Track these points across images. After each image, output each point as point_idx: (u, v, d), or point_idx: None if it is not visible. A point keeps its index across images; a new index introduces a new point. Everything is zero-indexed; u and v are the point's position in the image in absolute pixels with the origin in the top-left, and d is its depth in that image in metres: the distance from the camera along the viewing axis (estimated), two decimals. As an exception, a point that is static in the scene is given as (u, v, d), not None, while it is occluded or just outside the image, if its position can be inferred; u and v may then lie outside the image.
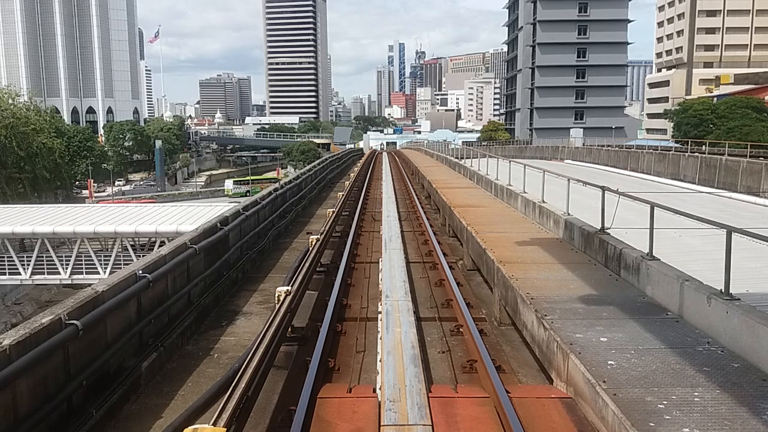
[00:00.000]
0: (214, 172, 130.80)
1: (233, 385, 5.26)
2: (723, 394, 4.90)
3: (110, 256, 33.39)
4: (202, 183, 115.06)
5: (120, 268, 22.35)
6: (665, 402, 4.77)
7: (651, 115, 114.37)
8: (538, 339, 6.73)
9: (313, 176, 26.87)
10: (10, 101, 65.76)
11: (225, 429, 4.41)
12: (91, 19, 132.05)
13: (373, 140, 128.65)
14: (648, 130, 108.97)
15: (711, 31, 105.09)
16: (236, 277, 11.09)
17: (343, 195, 21.52)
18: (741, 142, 46.79)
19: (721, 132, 61.89)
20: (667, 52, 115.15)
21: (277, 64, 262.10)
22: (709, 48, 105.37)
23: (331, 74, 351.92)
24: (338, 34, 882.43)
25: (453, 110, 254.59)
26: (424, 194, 24.98)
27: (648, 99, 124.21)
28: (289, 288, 8.12)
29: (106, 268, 32.47)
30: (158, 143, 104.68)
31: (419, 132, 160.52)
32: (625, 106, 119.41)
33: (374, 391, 5.83)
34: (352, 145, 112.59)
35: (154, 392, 6.59)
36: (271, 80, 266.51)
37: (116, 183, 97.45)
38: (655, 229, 7.95)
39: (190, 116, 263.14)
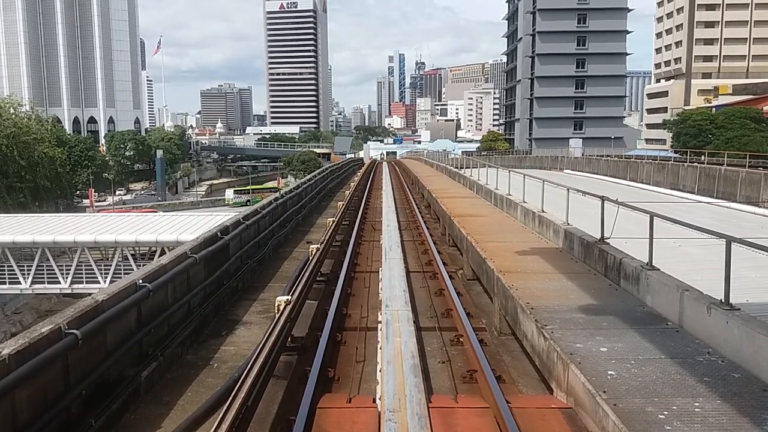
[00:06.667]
0: (214, 181, 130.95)
1: (233, 395, 5.26)
2: (724, 404, 4.89)
3: (111, 265, 33.39)
4: (203, 192, 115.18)
5: (120, 277, 22.35)
6: (666, 412, 4.76)
7: (650, 125, 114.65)
8: (539, 349, 6.72)
9: (314, 186, 26.92)
10: (12, 111, 66.00)
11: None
12: (93, 30, 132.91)
13: (373, 150, 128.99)
14: (647, 140, 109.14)
15: (709, 42, 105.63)
16: (236, 287, 11.08)
17: (343, 204, 21.57)
18: (740, 152, 46.86)
19: (720, 142, 61.99)
20: (665, 62, 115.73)
21: (278, 74, 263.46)
22: (708, 59, 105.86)
23: (331, 84, 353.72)
24: (339, 44, 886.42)
25: (453, 120, 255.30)
26: (424, 204, 25.01)
27: (647, 109, 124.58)
28: (289, 297, 8.12)
29: (106, 278, 32.45)
30: (159, 153, 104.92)
31: (419, 142, 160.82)
32: (624, 117, 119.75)
33: (374, 401, 5.82)
34: (353, 155, 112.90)
35: (154, 402, 6.57)
36: (272, 90, 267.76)
37: (117, 192, 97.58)
38: (655, 239, 7.96)
39: (191, 126, 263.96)
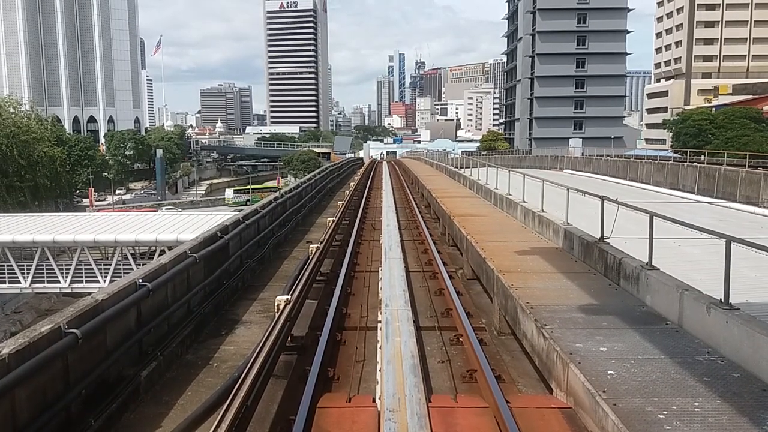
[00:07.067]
0: (214, 181, 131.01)
1: (232, 394, 5.26)
2: (724, 404, 4.89)
3: (110, 264, 33.37)
4: (203, 192, 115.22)
5: (120, 276, 22.34)
6: (665, 412, 4.76)
7: (650, 125, 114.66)
8: (538, 349, 6.73)
9: (314, 185, 26.91)
10: (12, 110, 66.02)
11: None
12: (93, 29, 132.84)
13: (373, 150, 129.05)
14: (647, 140, 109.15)
15: (709, 42, 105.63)
16: (236, 286, 11.08)
17: (343, 204, 21.56)
18: (740, 152, 46.88)
19: (720, 142, 61.99)
20: (665, 62, 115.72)
21: (277, 74, 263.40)
22: (708, 59, 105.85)
23: (331, 84, 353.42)
24: (339, 44, 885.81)
25: (452, 120, 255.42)
26: (424, 203, 25.01)
27: (647, 109, 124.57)
28: (289, 297, 8.12)
29: (106, 277, 32.44)
30: (159, 152, 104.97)
31: (419, 141, 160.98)
32: (624, 116, 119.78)
33: (374, 400, 5.82)
34: (353, 155, 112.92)
35: (154, 401, 6.57)
36: (271, 90, 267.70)
37: (117, 192, 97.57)
38: (655, 238, 7.96)
39: (191, 125, 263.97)
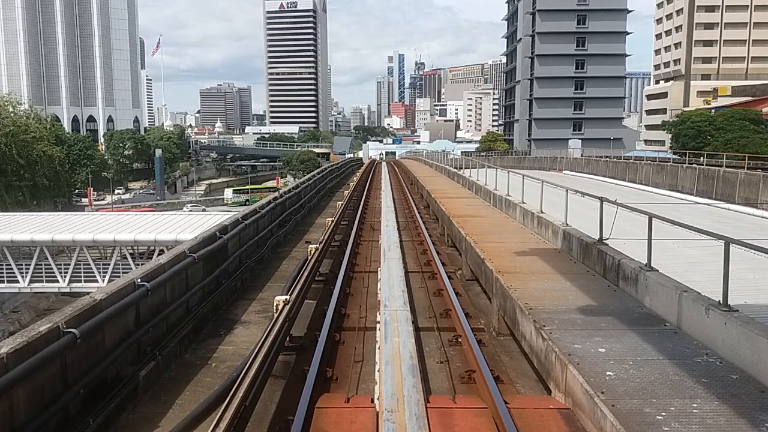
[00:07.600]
0: (213, 181, 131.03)
1: (231, 394, 5.26)
2: (722, 405, 4.89)
3: (109, 264, 33.34)
4: (202, 192, 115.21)
5: (119, 276, 22.33)
6: (664, 413, 4.76)
7: (649, 127, 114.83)
8: (537, 349, 6.73)
9: (313, 185, 26.91)
10: (11, 109, 65.92)
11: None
12: (93, 28, 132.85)
13: (372, 150, 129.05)
14: (646, 142, 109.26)
15: (708, 43, 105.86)
16: (235, 286, 11.08)
17: (342, 204, 21.57)
18: (739, 154, 46.96)
19: (719, 143, 62.04)
20: (665, 64, 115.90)
21: (277, 74, 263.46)
22: (707, 60, 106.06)
23: (331, 84, 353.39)
24: (338, 44, 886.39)
25: (452, 121, 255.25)
26: (423, 204, 25.01)
27: (646, 110, 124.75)
28: (288, 297, 8.12)
29: (104, 277, 32.41)
30: (158, 152, 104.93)
31: (418, 142, 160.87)
32: (623, 118, 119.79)
33: (372, 401, 5.83)
34: (352, 155, 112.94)
35: (152, 401, 6.57)
36: (271, 90, 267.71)
37: (116, 191, 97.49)
38: (654, 240, 7.96)
39: (190, 125, 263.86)
